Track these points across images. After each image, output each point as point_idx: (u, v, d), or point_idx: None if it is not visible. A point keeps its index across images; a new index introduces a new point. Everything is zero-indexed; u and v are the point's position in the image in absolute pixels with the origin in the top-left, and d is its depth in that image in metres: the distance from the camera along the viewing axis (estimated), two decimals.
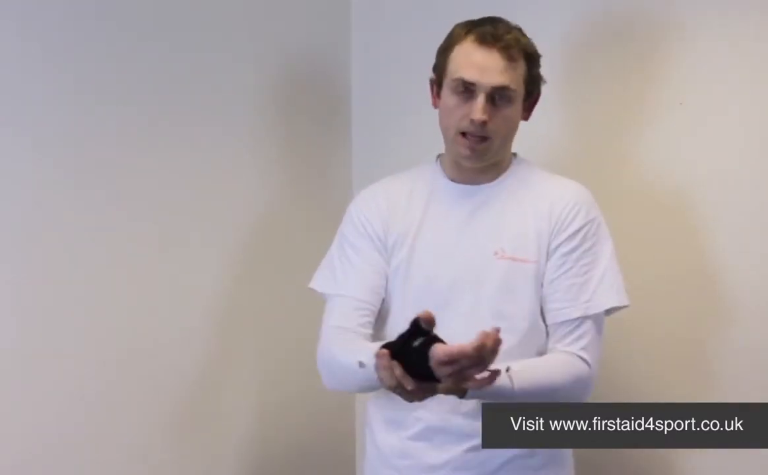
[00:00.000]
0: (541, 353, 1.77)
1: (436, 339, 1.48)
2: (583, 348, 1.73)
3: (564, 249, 1.75)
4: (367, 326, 1.79)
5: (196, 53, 2.22)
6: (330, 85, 2.58)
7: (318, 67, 2.55)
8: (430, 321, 1.47)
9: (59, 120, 1.97)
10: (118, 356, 2.07)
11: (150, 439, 2.13)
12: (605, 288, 1.75)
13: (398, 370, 1.49)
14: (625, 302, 1.77)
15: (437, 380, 1.49)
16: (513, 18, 1.81)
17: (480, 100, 1.71)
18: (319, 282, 1.88)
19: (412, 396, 1.53)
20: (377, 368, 1.53)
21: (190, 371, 2.22)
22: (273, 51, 2.40)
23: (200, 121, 2.23)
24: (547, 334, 1.78)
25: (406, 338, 1.49)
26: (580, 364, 1.72)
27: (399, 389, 1.52)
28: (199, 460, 2.24)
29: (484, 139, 1.74)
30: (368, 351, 1.59)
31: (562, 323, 1.74)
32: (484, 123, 1.72)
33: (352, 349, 1.70)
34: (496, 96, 1.72)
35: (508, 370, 1.65)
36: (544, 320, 1.77)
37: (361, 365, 1.62)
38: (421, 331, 1.48)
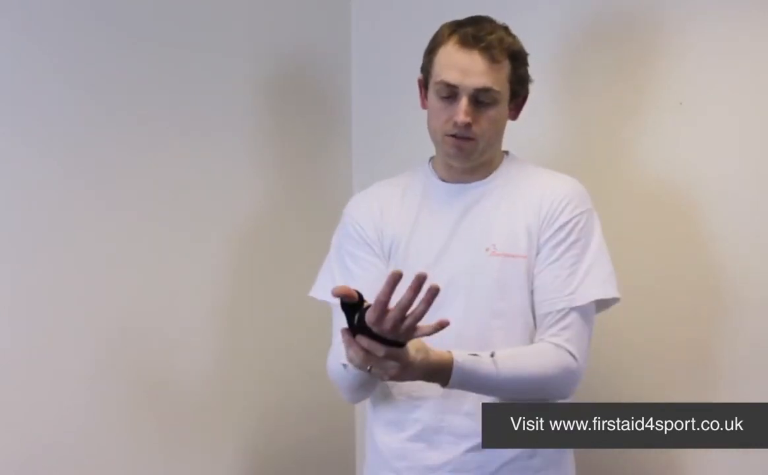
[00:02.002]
0: None
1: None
2: (567, 339, 1.71)
3: (552, 242, 1.75)
4: None
5: (196, 54, 2.22)
6: (330, 85, 2.58)
7: (318, 67, 2.55)
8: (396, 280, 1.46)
9: (55, 120, 1.97)
10: (117, 357, 2.07)
11: (149, 439, 2.13)
12: (591, 280, 1.74)
13: (364, 341, 1.49)
14: (612, 294, 1.76)
15: (399, 344, 1.50)
16: (510, 18, 1.81)
17: (463, 102, 1.72)
18: (320, 291, 1.87)
19: (387, 367, 1.52)
20: (345, 348, 1.52)
21: (189, 372, 2.22)
22: (273, 51, 2.40)
23: (199, 121, 2.23)
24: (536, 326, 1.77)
25: (351, 319, 1.49)
26: (565, 355, 1.71)
27: (372, 363, 1.51)
28: (198, 461, 2.24)
29: (469, 139, 1.75)
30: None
31: (547, 313, 1.73)
32: (467, 125, 1.72)
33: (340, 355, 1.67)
34: (480, 97, 1.73)
35: (493, 355, 1.66)
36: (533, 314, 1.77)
37: (345, 366, 1.62)
38: (355, 307, 1.49)
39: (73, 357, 1.99)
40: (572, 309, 1.72)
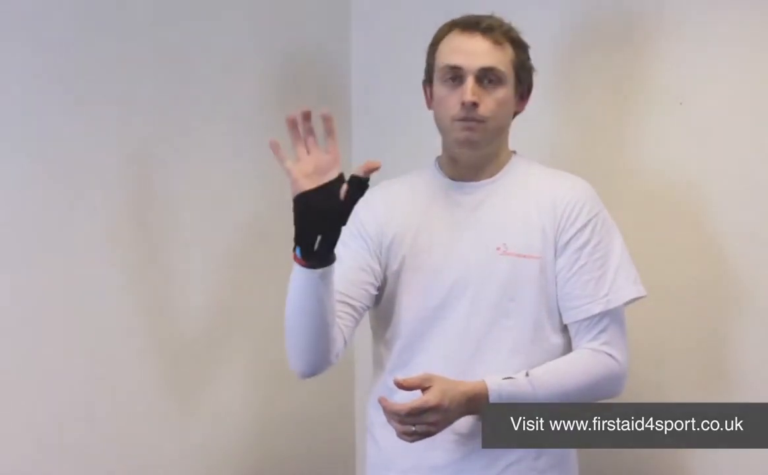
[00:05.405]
0: (551, 351, 1.76)
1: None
2: (605, 342, 1.73)
3: (575, 245, 1.75)
4: (343, 316, 1.77)
5: (195, 54, 2.22)
6: (330, 84, 2.58)
7: (318, 68, 2.54)
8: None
9: (55, 121, 1.97)
10: (116, 358, 2.07)
11: (149, 441, 2.13)
12: (622, 280, 1.75)
13: (386, 410, 1.62)
14: (642, 293, 1.78)
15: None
16: (510, 18, 1.81)
17: (469, 82, 1.72)
18: None
19: (425, 421, 1.61)
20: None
21: (188, 374, 2.22)
22: (272, 51, 2.40)
23: (199, 121, 2.23)
24: (561, 331, 1.77)
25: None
26: (605, 359, 1.73)
27: (408, 428, 1.62)
28: (198, 463, 2.23)
29: (477, 122, 1.74)
30: None
31: (584, 320, 1.74)
32: (474, 104, 1.72)
33: None
34: (485, 79, 1.74)
35: (527, 374, 1.67)
36: (560, 320, 1.77)
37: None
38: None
39: (73, 357, 1.99)
40: (608, 312, 1.74)
